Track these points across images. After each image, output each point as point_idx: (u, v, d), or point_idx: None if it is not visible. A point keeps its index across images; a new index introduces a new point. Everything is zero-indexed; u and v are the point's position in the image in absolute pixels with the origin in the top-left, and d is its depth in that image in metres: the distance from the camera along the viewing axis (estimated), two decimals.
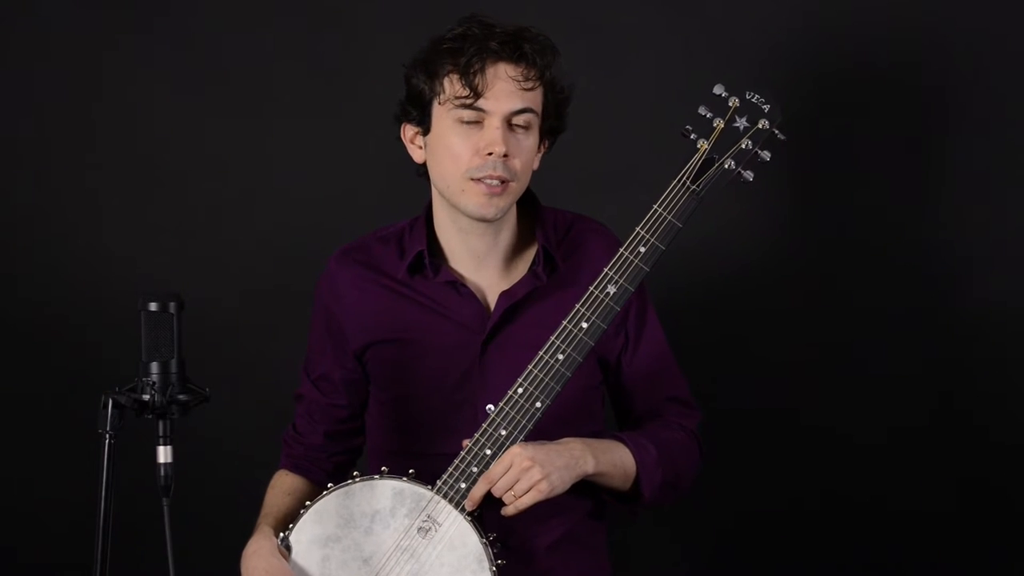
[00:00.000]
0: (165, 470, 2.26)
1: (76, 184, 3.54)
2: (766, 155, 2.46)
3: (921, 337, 3.36)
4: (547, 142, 2.63)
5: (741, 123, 2.45)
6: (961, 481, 3.36)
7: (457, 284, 2.61)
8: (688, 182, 2.45)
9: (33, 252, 3.54)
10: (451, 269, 2.63)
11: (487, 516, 2.48)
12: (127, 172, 3.53)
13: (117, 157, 3.53)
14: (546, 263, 2.62)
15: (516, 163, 2.52)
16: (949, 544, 3.38)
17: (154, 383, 2.26)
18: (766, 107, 2.45)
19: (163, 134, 3.52)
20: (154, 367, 2.26)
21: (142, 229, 3.53)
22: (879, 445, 3.38)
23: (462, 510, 2.44)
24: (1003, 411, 3.36)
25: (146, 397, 2.26)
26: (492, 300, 2.63)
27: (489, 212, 2.53)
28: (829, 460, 3.39)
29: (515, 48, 2.51)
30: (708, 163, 2.44)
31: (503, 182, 2.51)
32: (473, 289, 2.62)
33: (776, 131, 2.45)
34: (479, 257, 2.62)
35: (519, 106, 2.51)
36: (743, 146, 2.45)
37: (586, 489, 2.56)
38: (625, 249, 2.45)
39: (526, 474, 2.41)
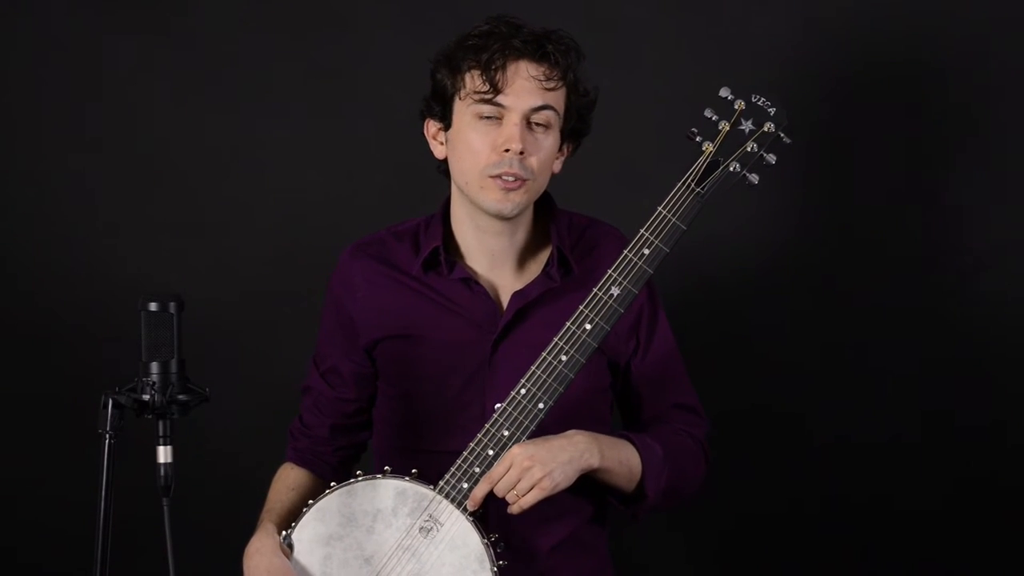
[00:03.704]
0: (165, 470, 2.26)
1: (76, 184, 3.54)
2: (771, 158, 2.46)
3: (923, 337, 3.37)
4: (570, 145, 2.64)
5: (747, 126, 2.45)
6: (963, 481, 3.37)
7: (470, 281, 2.61)
8: (693, 184, 2.45)
9: (33, 252, 3.54)
10: (466, 266, 2.63)
11: (491, 516, 2.48)
12: (127, 172, 3.53)
13: (117, 157, 3.53)
14: (560, 265, 2.62)
15: (533, 161, 2.52)
16: (951, 544, 3.38)
17: (154, 383, 2.25)
18: (772, 110, 2.45)
19: (163, 134, 3.52)
20: (154, 367, 2.26)
21: (142, 229, 3.52)
22: (881, 445, 3.38)
23: (464, 510, 2.44)
24: (1004, 411, 3.36)
25: (146, 397, 2.25)
26: (505, 299, 2.63)
27: (506, 208, 2.53)
28: (831, 461, 3.40)
29: (538, 47, 2.52)
30: (713, 165, 2.45)
31: (520, 180, 2.52)
32: (486, 287, 2.63)
33: (782, 134, 2.45)
34: (494, 256, 2.63)
35: (539, 103, 2.51)
36: (748, 149, 2.44)
37: (589, 491, 2.57)
38: (629, 251, 2.45)
39: (527, 473, 2.41)
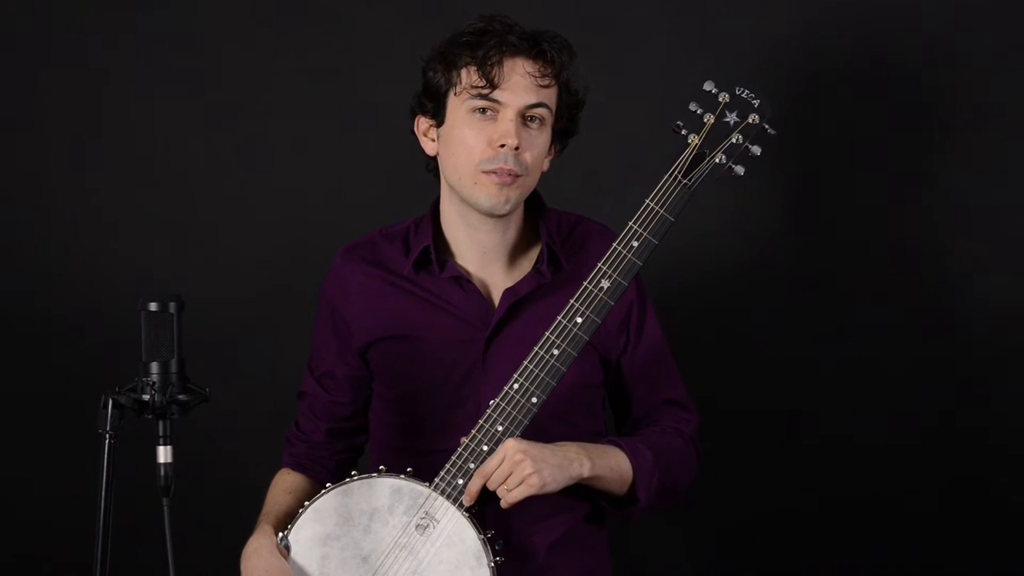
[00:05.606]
0: (165, 470, 2.27)
1: (76, 184, 3.54)
2: (756, 149, 2.47)
3: (921, 337, 3.35)
4: (558, 145, 2.64)
5: (731, 118, 2.47)
6: (960, 482, 3.35)
7: (462, 280, 2.62)
8: (679, 176, 2.46)
9: (33, 252, 3.54)
10: (457, 265, 2.64)
11: (489, 513, 2.49)
12: (127, 172, 3.53)
13: (117, 157, 3.53)
14: (550, 262, 2.63)
15: (527, 157, 2.53)
16: (949, 545, 3.37)
17: (154, 383, 2.26)
18: (756, 102, 2.47)
19: (163, 134, 3.52)
20: (154, 367, 2.26)
21: (142, 229, 3.53)
22: (879, 445, 3.37)
23: (460, 506, 2.44)
24: (1003, 412, 3.35)
25: (146, 397, 2.26)
26: (496, 297, 2.63)
27: (499, 204, 2.54)
28: (828, 461, 3.38)
29: (534, 44, 2.53)
30: (699, 158, 2.46)
31: (514, 176, 2.52)
32: (478, 285, 2.63)
33: (766, 126, 2.47)
34: (485, 254, 2.63)
35: (534, 100, 2.53)
36: (733, 140, 2.46)
37: (585, 492, 2.57)
38: (618, 244, 2.46)
39: (518, 467, 2.41)
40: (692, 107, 2.47)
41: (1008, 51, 3.30)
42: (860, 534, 3.39)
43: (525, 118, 2.54)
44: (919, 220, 3.35)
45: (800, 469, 3.39)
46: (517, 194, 2.55)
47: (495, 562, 2.43)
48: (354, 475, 2.50)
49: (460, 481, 2.45)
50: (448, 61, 2.56)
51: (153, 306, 2.26)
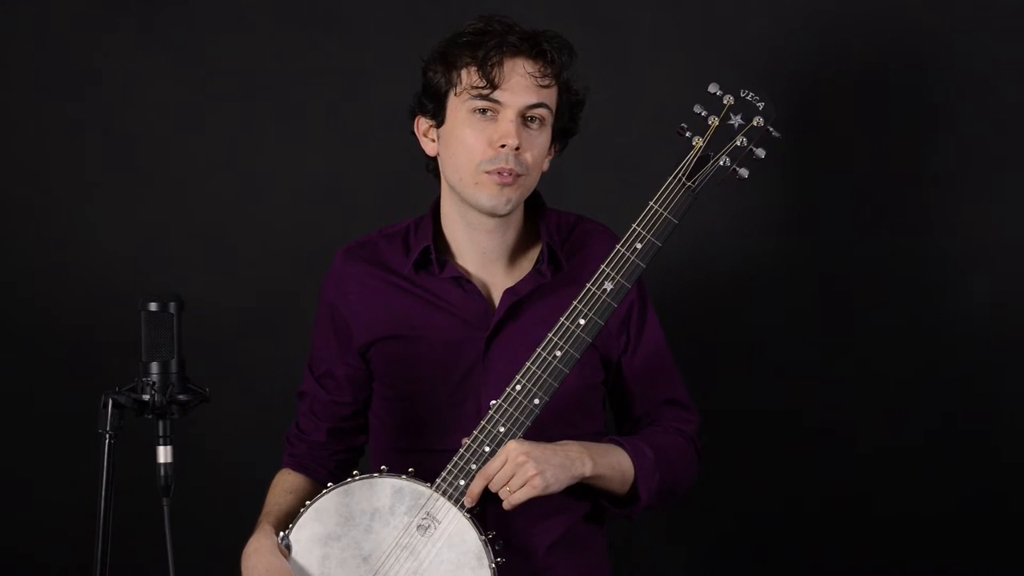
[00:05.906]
0: (165, 470, 2.26)
1: (76, 184, 3.54)
2: (761, 152, 2.47)
3: (921, 338, 3.35)
4: (558, 145, 2.64)
5: (736, 120, 2.46)
6: (961, 483, 3.35)
7: (462, 280, 2.62)
8: (684, 179, 2.46)
9: (33, 252, 3.54)
10: (457, 265, 2.64)
11: (489, 513, 2.49)
12: (127, 172, 3.53)
13: (117, 157, 3.53)
14: (551, 261, 2.63)
15: (528, 157, 2.53)
16: (949, 547, 3.37)
17: (154, 383, 2.25)
18: (760, 105, 2.46)
19: (163, 134, 3.52)
20: (154, 367, 2.26)
21: (142, 229, 3.52)
22: (879, 446, 3.37)
23: (461, 507, 2.44)
24: (1003, 413, 3.35)
25: (146, 397, 2.25)
26: (496, 297, 2.63)
27: (500, 203, 2.54)
28: (829, 462, 3.38)
29: (534, 45, 2.53)
30: (703, 160, 2.46)
31: (514, 176, 2.52)
32: (478, 285, 2.63)
33: (770, 128, 2.47)
34: (485, 254, 2.63)
35: (534, 100, 2.53)
36: (738, 143, 2.46)
37: (585, 492, 2.56)
38: (622, 246, 2.46)
39: (520, 468, 2.41)
40: (697, 109, 2.47)
41: (1008, 51, 3.30)
42: (860, 535, 3.39)
43: (525, 118, 2.54)
44: (919, 220, 3.35)
45: (800, 470, 3.39)
46: (518, 194, 2.55)
47: (496, 563, 2.42)
48: (356, 475, 2.50)
49: (462, 482, 2.44)
50: (448, 61, 2.56)
51: (153, 306, 2.26)
